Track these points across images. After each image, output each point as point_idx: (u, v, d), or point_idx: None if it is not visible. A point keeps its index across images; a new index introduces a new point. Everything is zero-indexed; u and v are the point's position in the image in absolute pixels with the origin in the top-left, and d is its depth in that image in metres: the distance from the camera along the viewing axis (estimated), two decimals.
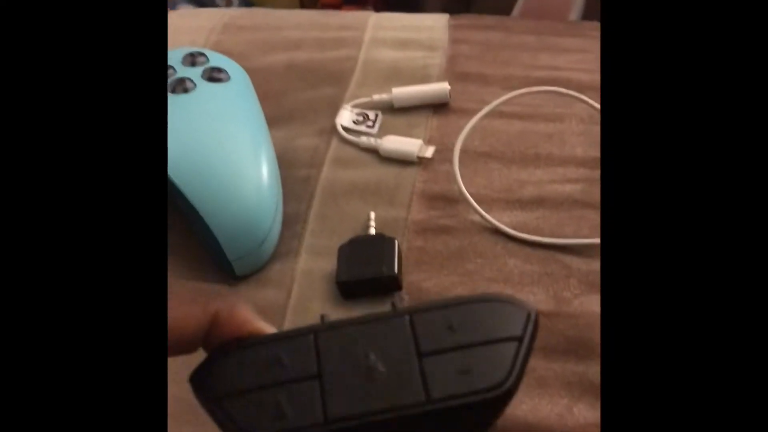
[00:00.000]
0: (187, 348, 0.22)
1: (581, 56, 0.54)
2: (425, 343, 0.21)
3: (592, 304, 0.38)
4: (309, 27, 0.58)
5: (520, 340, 0.20)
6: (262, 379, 0.21)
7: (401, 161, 0.46)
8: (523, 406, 0.35)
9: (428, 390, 0.20)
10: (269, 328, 0.23)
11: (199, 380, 0.22)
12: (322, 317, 0.22)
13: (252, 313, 0.23)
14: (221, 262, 0.40)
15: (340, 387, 0.21)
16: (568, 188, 0.44)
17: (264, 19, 0.60)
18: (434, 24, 0.58)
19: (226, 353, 0.22)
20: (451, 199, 0.44)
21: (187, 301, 0.22)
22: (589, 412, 0.34)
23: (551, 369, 0.36)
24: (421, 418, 0.20)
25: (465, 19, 0.59)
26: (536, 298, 0.39)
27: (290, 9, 1.36)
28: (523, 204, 0.44)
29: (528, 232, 0.42)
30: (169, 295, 0.21)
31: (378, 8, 1.44)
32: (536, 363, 0.36)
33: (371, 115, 0.50)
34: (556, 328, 0.37)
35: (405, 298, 0.39)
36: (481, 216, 0.42)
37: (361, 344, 0.21)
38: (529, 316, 0.21)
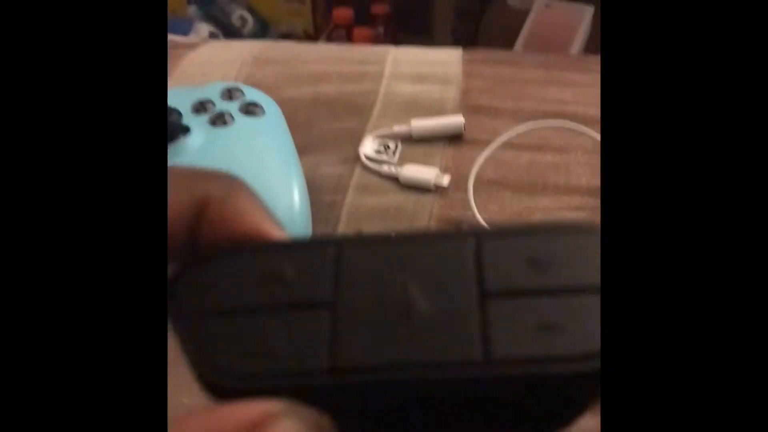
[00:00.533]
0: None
1: (587, 90, 0.58)
2: (493, 279, 0.15)
3: None
4: (333, 61, 0.63)
5: None
6: (254, 299, 0.15)
7: (419, 188, 0.50)
8: None
9: (489, 345, 0.14)
10: (277, 231, 0.16)
11: (169, 290, 0.16)
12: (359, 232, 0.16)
13: (256, 206, 0.17)
14: None
15: (361, 324, 0.14)
16: (574, 215, 0.48)
17: (291, 54, 0.64)
18: (449, 59, 0.62)
19: (211, 258, 0.16)
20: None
21: (170, 187, 0.16)
22: None
23: None
24: (471, 385, 0.14)
25: (477, 54, 0.63)
26: None
27: (304, 29, 1.40)
28: None
29: None
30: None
31: (387, 29, 1.48)
32: None
33: (391, 145, 0.54)
34: None
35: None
36: None
37: (400, 269, 0.15)
38: None
